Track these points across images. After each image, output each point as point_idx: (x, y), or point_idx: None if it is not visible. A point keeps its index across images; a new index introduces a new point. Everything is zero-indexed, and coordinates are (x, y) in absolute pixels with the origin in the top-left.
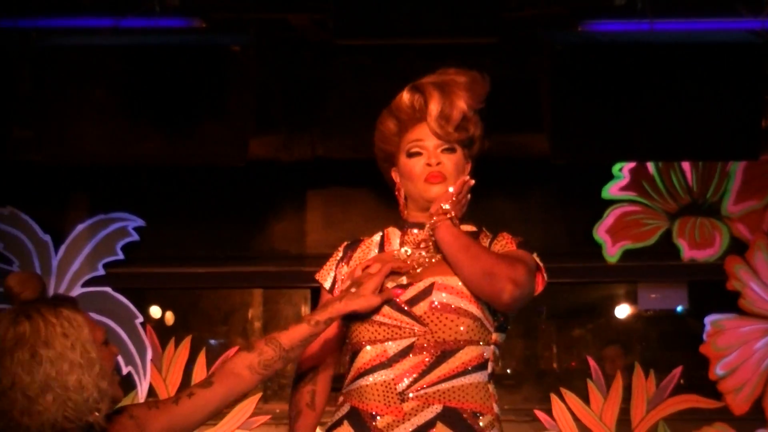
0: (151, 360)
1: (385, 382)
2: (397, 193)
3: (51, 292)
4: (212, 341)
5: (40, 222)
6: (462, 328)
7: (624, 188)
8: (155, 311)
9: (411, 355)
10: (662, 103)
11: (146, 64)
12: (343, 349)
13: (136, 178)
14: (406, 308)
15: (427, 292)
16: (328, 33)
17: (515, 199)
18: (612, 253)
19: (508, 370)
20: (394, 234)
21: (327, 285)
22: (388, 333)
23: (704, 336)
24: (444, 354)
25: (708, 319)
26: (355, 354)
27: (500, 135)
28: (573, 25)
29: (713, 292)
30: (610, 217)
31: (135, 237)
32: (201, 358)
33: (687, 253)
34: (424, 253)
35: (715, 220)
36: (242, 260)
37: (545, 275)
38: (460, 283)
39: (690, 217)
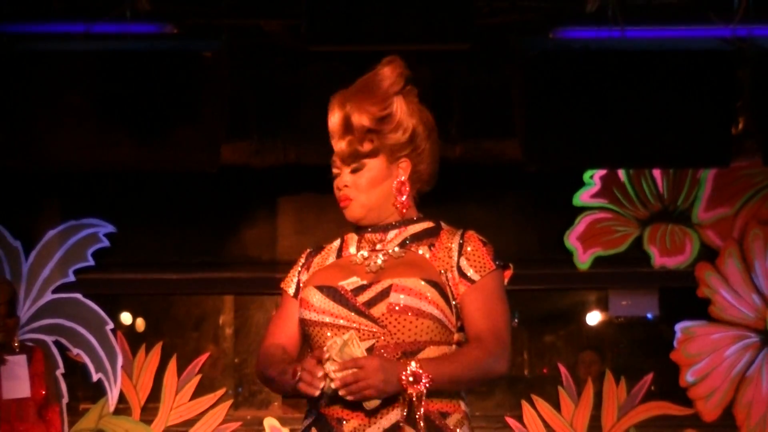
0: (122, 366)
1: None
2: None
3: (21, 298)
4: (183, 348)
5: (11, 228)
6: (421, 330)
7: (595, 195)
8: (126, 317)
9: None
10: (633, 110)
11: (118, 70)
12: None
13: (107, 183)
14: (364, 310)
15: (384, 294)
16: (301, 39)
17: (487, 205)
18: (583, 260)
19: None
20: (351, 239)
21: (291, 291)
22: None
23: (675, 343)
24: (405, 355)
25: (679, 326)
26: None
27: (473, 141)
28: (545, 32)
29: (684, 299)
30: (581, 224)
31: (106, 243)
32: (172, 365)
33: (658, 260)
34: (381, 255)
35: (685, 227)
36: (214, 266)
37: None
38: (419, 284)
39: (661, 225)
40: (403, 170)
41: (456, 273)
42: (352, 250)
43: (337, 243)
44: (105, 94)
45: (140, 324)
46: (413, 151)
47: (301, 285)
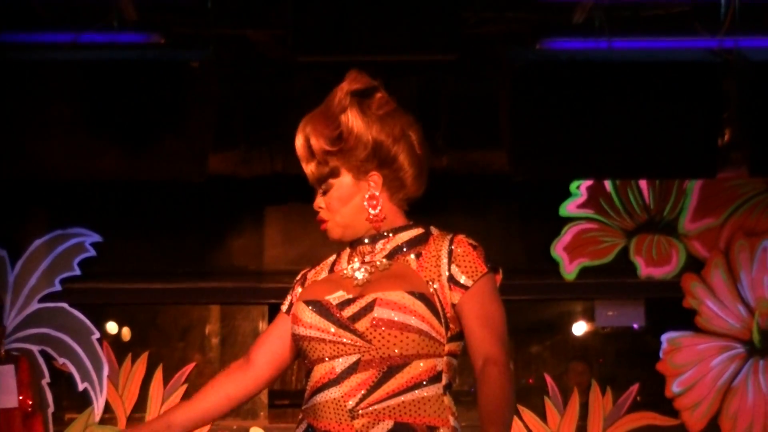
0: (108, 376)
1: (335, 399)
2: None
3: (7, 307)
4: (169, 357)
5: None
6: (407, 344)
7: (581, 206)
8: (112, 327)
9: (358, 372)
10: (620, 121)
11: (105, 79)
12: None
13: (94, 193)
14: (348, 324)
15: (368, 308)
16: (288, 49)
17: (474, 215)
18: (569, 270)
19: (467, 387)
20: (345, 253)
21: (284, 308)
22: (334, 350)
23: (661, 353)
24: (391, 369)
25: (665, 337)
26: (309, 373)
27: (459, 152)
28: (532, 43)
29: (670, 309)
30: (567, 235)
31: (92, 252)
32: (158, 375)
33: (644, 270)
34: (366, 268)
35: (672, 238)
36: (200, 276)
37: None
38: (404, 297)
39: (647, 235)
40: (374, 183)
41: (446, 281)
42: (344, 263)
43: (332, 258)
44: (92, 104)
45: (126, 333)
46: (382, 162)
47: (294, 301)
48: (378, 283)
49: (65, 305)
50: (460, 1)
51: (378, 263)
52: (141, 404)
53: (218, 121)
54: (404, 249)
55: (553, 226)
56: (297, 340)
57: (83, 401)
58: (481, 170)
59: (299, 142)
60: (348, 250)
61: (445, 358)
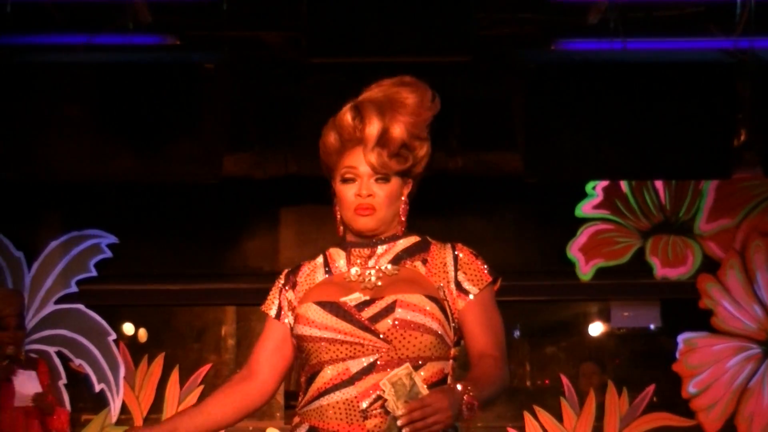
0: (124, 377)
1: (347, 400)
2: (335, 209)
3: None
4: (185, 359)
5: (13, 239)
6: (425, 345)
7: (597, 206)
8: (128, 328)
9: (374, 373)
10: (635, 122)
11: (119, 81)
12: (293, 371)
13: (109, 195)
14: (368, 325)
15: (389, 310)
16: (302, 51)
17: (488, 217)
18: (585, 271)
19: None
20: (337, 254)
21: (272, 313)
22: (350, 351)
23: (677, 354)
24: None
25: (680, 338)
26: (314, 375)
27: (474, 153)
28: (546, 44)
29: (686, 310)
30: (583, 236)
31: (108, 254)
32: (174, 376)
33: (660, 271)
34: (373, 272)
35: (687, 238)
36: (216, 277)
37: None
38: (423, 300)
39: (663, 236)
40: (407, 190)
41: (453, 287)
42: (341, 264)
43: (320, 260)
44: (107, 106)
45: (142, 335)
46: (418, 173)
47: (284, 305)
48: (394, 287)
49: (81, 306)
50: (474, 2)
51: (384, 268)
52: (157, 405)
53: (232, 122)
54: (409, 255)
55: (569, 227)
56: (305, 341)
57: (100, 402)
58: (495, 172)
59: (375, 127)
60: (340, 251)
61: (450, 361)
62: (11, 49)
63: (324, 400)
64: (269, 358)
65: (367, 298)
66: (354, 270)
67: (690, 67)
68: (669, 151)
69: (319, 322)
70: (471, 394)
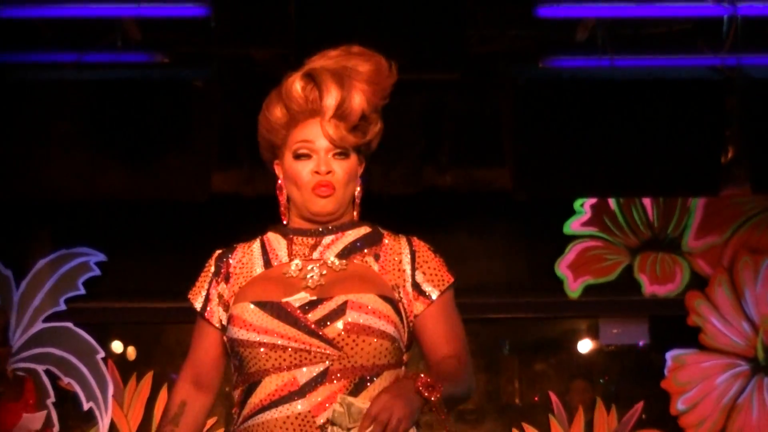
0: (113, 395)
1: (299, 414)
2: (278, 192)
3: (12, 326)
4: (174, 376)
5: (1, 256)
6: (381, 352)
7: (585, 224)
8: (117, 346)
9: (327, 383)
10: (623, 139)
11: (109, 99)
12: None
13: (98, 212)
14: (315, 330)
15: (339, 312)
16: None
17: (477, 234)
18: (574, 288)
19: (471, 405)
20: (277, 242)
21: (198, 306)
22: (295, 359)
23: (665, 371)
24: (363, 380)
25: (669, 354)
26: (253, 385)
27: (462, 170)
28: (535, 61)
29: (674, 327)
30: (571, 253)
31: (97, 272)
32: (163, 394)
33: (648, 288)
34: (317, 267)
35: (675, 255)
36: None
37: None
38: (377, 301)
39: (651, 253)
40: (361, 170)
41: (410, 288)
42: (282, 255)
43: (257, 246)
44: (96, 123)
45: (131, 353)
46: (369, 153)
47: (213, 298)
48: (342, 285)
49: (70, 325)
50: (463, 19)
51: (330, 262)
52: (146, 423)
53: (221, 139)
54: (359, 249)
55: (557, 244)
56: (240, 345)
57: (88, 421)
58: (484, 188)
59: (334, 97)
60: (280, 239)
61: (403, 368)
62: (0, 66)
63: (268, 415)
64: (218, 367)
65: (314, 298)
66: (294, 264)
67: (678, 84)
68: (657, 168)
69: (257, 325)
70: (422, 375)
